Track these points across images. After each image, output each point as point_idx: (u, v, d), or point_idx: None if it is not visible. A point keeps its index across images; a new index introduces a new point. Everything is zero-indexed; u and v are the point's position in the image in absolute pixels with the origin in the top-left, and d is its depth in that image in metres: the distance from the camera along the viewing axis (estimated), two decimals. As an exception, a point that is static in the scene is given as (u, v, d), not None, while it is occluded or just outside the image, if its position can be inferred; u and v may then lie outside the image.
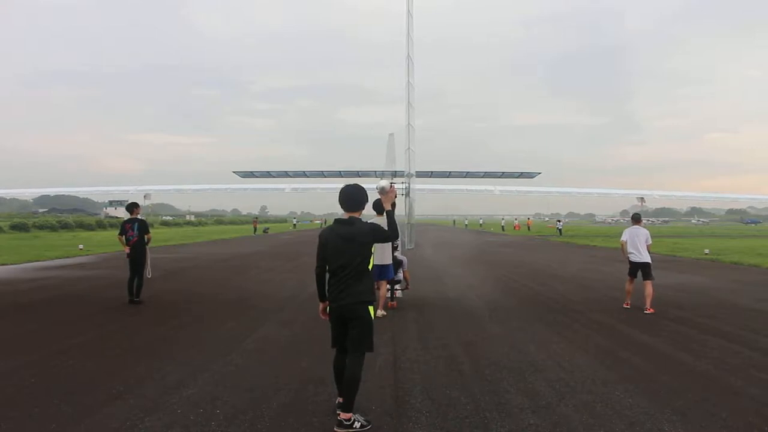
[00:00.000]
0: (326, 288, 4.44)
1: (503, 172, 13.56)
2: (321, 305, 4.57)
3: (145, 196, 10.76)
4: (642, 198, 10.39)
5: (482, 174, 13.81)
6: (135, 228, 10.19)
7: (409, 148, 9.69)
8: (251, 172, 13.69)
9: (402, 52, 9.98)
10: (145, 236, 10.33)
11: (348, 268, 4.26)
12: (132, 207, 10.62)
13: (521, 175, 13.65)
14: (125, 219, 10.56)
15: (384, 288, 9.27)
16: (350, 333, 4.30)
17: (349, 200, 4.43)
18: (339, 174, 13.16)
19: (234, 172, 13.75)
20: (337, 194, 4.51)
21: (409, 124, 9.74)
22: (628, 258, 9.82)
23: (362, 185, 4.57)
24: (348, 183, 4.61)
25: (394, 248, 9.69)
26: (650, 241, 9.78)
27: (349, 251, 4.27)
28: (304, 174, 13.73)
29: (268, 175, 13.58)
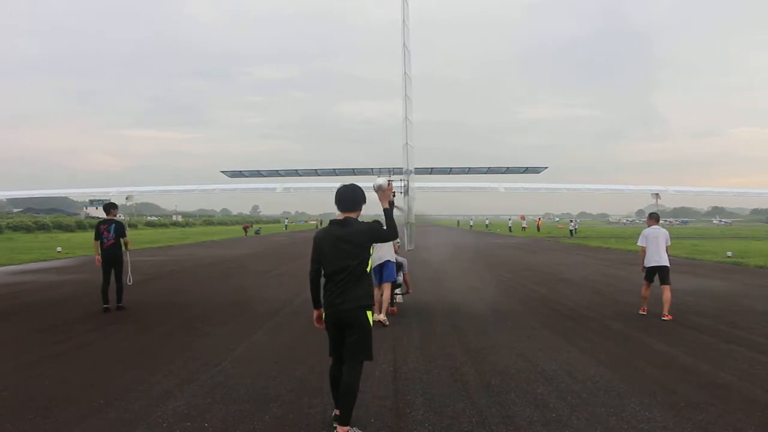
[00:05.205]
0: (321, 294, 4.45)
1: (508, 167, 13.48)
2: (315, 312, 4.57)
3: (127, 198, 10.75)
4: (657, 194, 10.31)
5: (485, 170, 13.72)
6: (111, 230, 10.10)
7: (407, 143, 9.69)
8: (240, 171, 13.66)
9: (401, 40, 10.00)
10: (122, 240, 10.20)
11: (345, 272, 4.27)
12: (109, 208, 10.53)
13: (527, 170, 13.55)
14: (101, 220, 10.49)
15: (388, 291, 9.19)
16: (347, 340, 4.30)
17: (345, 200, 4.45)
18: (333, 172, 13.18)
19: (222, 171, 13.75)
20: (333, 193, 4.54)
21: (406, 117, 9.73)
22: (644, 267, 9.78)
23: (359, 183, 4.59)
24: (344, 181, 4.62)
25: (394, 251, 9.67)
26: (669, 242, 9.75)
27: (345, 254, 4.29)
28: (296, 172, 13.72)
29: (258, 174, 13.53)
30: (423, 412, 4.86)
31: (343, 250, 4.29)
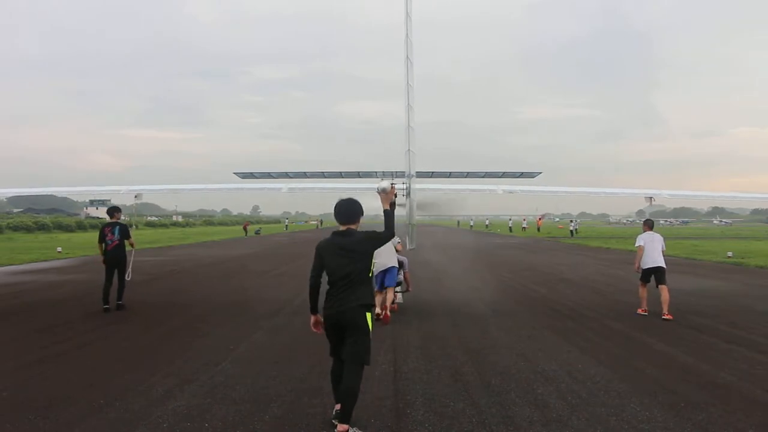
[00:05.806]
0: (318, 299, 4.55)
1: (504, 172, 13.73)
2: (313, 318, 4.64)
3: (136, 196, 10.95)
4: (651, 198, 10.44)
5: (483, 174, 13.98)
6: (116, 232, 10.23)
7: (409, 149, 9.87)
8: (251, 173, 14.07)
9: (403, 41, 10.06)
10: (127, 241, 10.33)
11: (347, 278, 4.39)
12: (113, 211, 10.70)
13: (522, 174, 13.84)
14: (105, 223, 10.61)
15: (390, 295, 9.26)
16: (346, 343, 4.36)
17: (344, 213, 4.62)
18: (339, 174, 13.55)
19: (235, 173, 14.18)
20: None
21: (408, 125, 9.87)
22: (640, 267, 9.90)
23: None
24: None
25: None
26: (665, 247, 10.00)
27: (348, 261, 4.42)
28: (304, 174, 14.17)
29: (268, 176, 13.92)
30: (423, 412, 4.85)
31: (345, 258, 4.43)
